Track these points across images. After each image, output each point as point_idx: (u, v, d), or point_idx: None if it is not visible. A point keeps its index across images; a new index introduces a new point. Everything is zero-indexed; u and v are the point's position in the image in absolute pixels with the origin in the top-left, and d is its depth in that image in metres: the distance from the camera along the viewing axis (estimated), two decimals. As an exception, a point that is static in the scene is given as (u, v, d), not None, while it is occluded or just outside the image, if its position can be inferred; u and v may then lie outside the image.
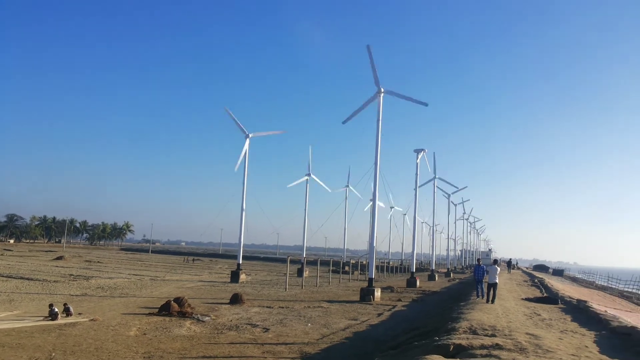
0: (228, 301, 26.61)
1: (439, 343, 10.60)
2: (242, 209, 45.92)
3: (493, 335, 11.98)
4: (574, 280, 77.83)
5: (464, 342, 10.63)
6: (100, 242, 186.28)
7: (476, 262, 24.27)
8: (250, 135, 47.99)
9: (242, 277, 42.75)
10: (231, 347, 15.41)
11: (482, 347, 10.36)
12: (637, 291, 53.71)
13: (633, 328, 13.33)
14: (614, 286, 67.37)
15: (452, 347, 10.36)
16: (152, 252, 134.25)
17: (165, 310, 20.74)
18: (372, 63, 35.21)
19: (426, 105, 38.08)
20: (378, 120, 35.84)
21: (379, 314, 25.50)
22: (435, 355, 9.16)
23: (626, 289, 58.91)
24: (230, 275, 43.37)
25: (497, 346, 10.39)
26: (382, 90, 36.05)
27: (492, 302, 20.41)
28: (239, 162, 47.35)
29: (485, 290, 22.22)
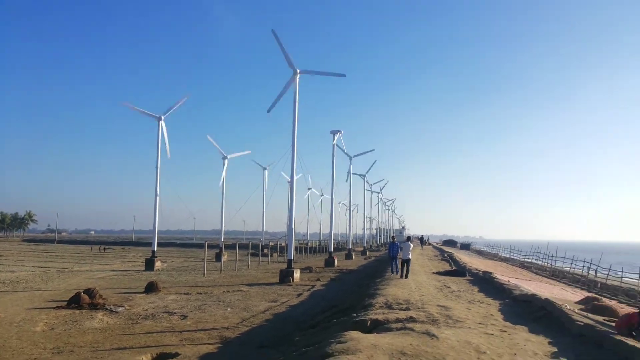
0: (143, 290, 25.76)
1: (357, 319, 10.90)
2: (156, 194, 44.40)
3: (407, 309, 12.48)
4: (480, 253, 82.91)
5: (380, 317, 10.99)
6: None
7: (390, 240, 25.02)
8: (163, 118, 46.28)
9: (158, 264, 41.50)
10: (147, 337, 14.96)
11: (398, 320, 10.77)
12: (535, 261, 58.15)
13: (532, 296, 14.40)
14: (515, 257, 72.51)
15: (369, 322, 10.68)
16: (58, 242, 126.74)
17: (74, 302, 19.71)
18: (281, 47, 34.98)
19: (344, 76, 38.37)
20: (295, 102, 35.78)
21: (299, 295, 25.79)
22: (353, 332, 9.41)
23: (526, 260, 63.53)
24: (144, 263, 41.96)
25: (412, 319, 10.85)
26: (298, 71, 35.95)
27: (406, 277, 21.26)
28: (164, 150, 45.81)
29: (399, 266, 23.10)
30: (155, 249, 43.45)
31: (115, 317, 18.28)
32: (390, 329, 9.89)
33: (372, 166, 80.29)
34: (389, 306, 13.06)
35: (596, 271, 42.44)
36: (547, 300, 13.44)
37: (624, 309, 19.36)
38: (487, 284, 20.34)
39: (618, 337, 9.06)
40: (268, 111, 37.89)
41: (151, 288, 25.49)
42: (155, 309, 20.53)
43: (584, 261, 43.06)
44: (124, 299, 22.94)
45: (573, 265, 45.94)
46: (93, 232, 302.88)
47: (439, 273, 25.59)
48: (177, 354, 12.77)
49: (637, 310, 10.57)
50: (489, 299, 15.86)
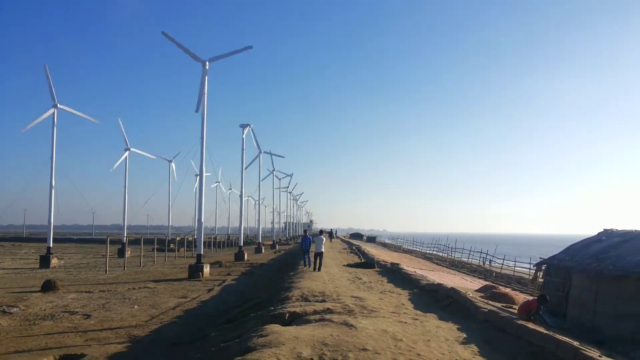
0: (39, 289, 23.99)
1: (275, 312, 10.89)
2: (51, 186, 41.48)
3: (323, 301, 12.65)
4: (385, 245, 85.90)
5: (298, 310, 11.05)
6: None
7: (302, 233, 25.11)
8: (58, 106, 43.16)
9: (54, 261, 38.84)
10: (48, 338, 13.97)
11: (315, 312, 10.89)
12: (436, 253, 61.31)
13: (439, 285, 15.17)
14: (417, 249, 75.93)
15: (287, 315, 10.71)
16: None
17: (-39, 304, 17.95)
18: (178, 45, 34.29)
19: (251, 47, 37.39)
20: (203, 94, 34.91)
21: (209, 290, 25.29)
22: (273, 325, 9.38)
23: (428, 252, 66.77)
24: (39, 261, 39.09)
25: (329, 310, 11.01)
26: (206, 62, 35.12)
27: (319, 270, 21.54)
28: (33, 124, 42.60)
29: (312, 259, 23.35)
30: (51, 245, 40.63)
31: (9, 319, 16.88)
32: (309, 321, 9.97)
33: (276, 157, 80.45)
34: (305, 299, 13.17)
35: (490, 261, 45.58)
36: (452, 289, 14.22)
37: (518, 296, 20.96)
38: (395, 275, 21.12)
39: (519, 322, 9.79)
40: (196, 110, 36.46)
41: (48, 287, 23.81)
42: (54, 308, 19.23)
43: (481, 252, 46.09)
44: (17, 298, 21.24)
45: (471, 256, 49.06)
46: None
47: (349, 265, 26.20)
48: (83, 355, 12.05)
49: (536, 298, 11.48)
50: (399, 289, 16.48)
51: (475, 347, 8.90)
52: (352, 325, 9.32)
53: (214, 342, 10.80)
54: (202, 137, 34.87)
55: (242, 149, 55.44)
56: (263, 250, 61.06)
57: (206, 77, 34.86)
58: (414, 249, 77.65)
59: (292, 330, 8.82)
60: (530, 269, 37.18)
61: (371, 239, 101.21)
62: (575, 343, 8.12)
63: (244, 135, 55.70)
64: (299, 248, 25.35)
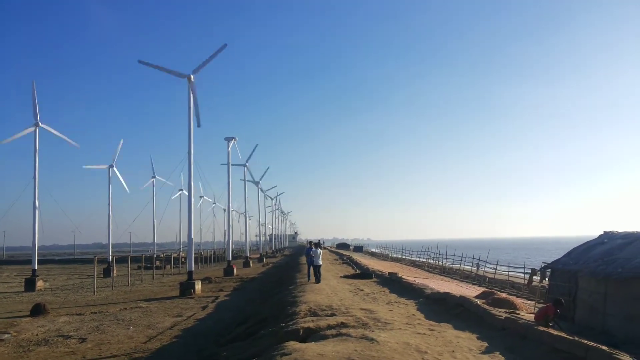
0: (28, 313, 23.23)
1: (289, 329, 10.56)
2: (34, 207, 40.48)
3: (333, 315, 12.36)
4: (373, 255, 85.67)
5: (311, 325, 10.74)
6: None
7: (308, 245, 23.97)
8: (40, 125, 42.30)
9: (40, 284, 37.79)
10: (47, 365, 13.44)
11: (330, 327, 10.60)
12: (426, 260, 61.21)
13: (446, 294, 14.96)
14: (406, 257, 75.82)
15: (301, 331, 10.39)
16: None
17: (-51, 333, 17.21)
18: (159, 68, 34.43)
19: (226, 45, 36.55)
20: (189, 107, 34.50)
21: (204, 307, 24.78)
22: (292, 342, 9.06)
23: (418, 259, 66.61)
24: (23, 284, 38.02)
25: (343, 324, 10.73)
26: (190, 75, 34.80)
27: (319, 281, 21.21)
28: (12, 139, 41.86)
29: (311, 272, 22.97)
30: (36, 267, 39.57)
31: (1, 346, 16.23)
32: (326, 337, 9.67)
33: (265, 173, 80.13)
34: (313, 313, 12.85)
35: (483, 266, 45.66)
36: (462, 297, 14.04)
37: (516, 301, 20.90)
38: (395, 285, 20.88)
39: (541, 328, 9.61)
40: (198, 125, 35.98)
41: (38, 310, 23.07)
42: (46, 333, 18.58)
43: (473, 258, 46.13)
44: (7, 324, 20.51)
45: (463, 263, 49.05)
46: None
47: (346, 277, 25.90)
48: (86, 382, 11.54)
49: (551, 303, 11.34)
50: (404, 299, 16.24)
51: (500, 355, 8.71)
52: (372, 339, 9.05)
53: (226, 362, 10.43)
54: (189, 153, 34.36)
55: (228, 163, 54.88)
56: (251, 264, 60.40)
57: (195, 90, 34.55)
58: (402, 257, 77.50)
59: (314, 347, 8.51)
60: (524, 273, 37.34)
61: (358, 249, 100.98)
62: (606, 348, 7.97)
63: (229, 149, 55.14)
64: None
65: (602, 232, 16.87)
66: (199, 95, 35.01)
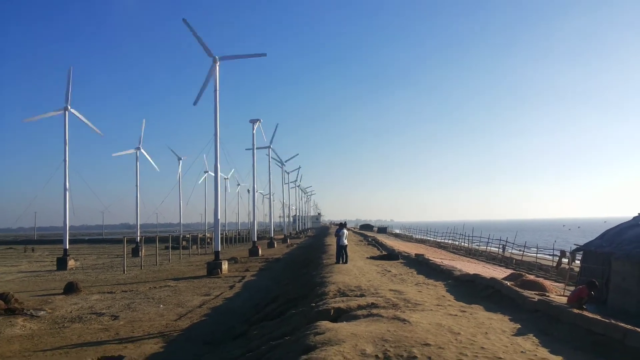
0: (62, 291, 23.88)
1: (320, 309, 10.61)
2: (65, 188, 41.30)
3: (362, 295, 12.37)
4: (397, 236, 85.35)
5: (342, 305, 10.77)
6: None
7: (338, 226, 23.60)
8: (69, 109, 42.88)
9: (71, 263, 38.76)
10: (82, 340, 13.79)
11: (360, 307, 10.61)
12: (451, 242, 60.83)
13: (475, 275, 14.83)
14: (430, 238, 75.47)
15: (332, 311, 10.43)
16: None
17: (-12, 309, 17.81)
18: (195, 35, 33.78)
19: (264, 55, 37.51)
20: (215, 91, 34.66)
21: (231, 287, 25.11)
22: (324, 322, 9.11)
23: (443, 240, 66.23)
24: (56, 263, 39.02)
25: (374, 305, 10.73)
26: (217, 58, 34.86)
27: (346, 262, 21.26)
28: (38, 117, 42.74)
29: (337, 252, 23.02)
30: (67, 247, 40.54)
31: (38, 322, 16.74)
32: (357, 317, 9.69)
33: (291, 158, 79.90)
34: (343, 294, 12.89)
35: (510, 248, 45.17)
36: (492, 279, 13.90)
37: (545, 283, 20.62)
38: (423, 266, 20.79)
39: (575, 311, 9.46)
40: (194, 103, 36.42)
41: (71, 288, 23.70)
42: (80, 310, 19.08)
43: (500, 239, 45.66)
44: (42, 301, 21.12)
45: (489, 244, 48.58)
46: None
47: (373, 258, 25.89)
48: (121, 357, 11.84)
49: (584, 285, 11.14)
50: (432, 281, 16.17)
51: (534, 338, 8.60)
52: (404, 320, 9.04)
53: (257, 340, 10.55)
54: (215, 135, 34.59)
55: (253, 144, 55.05)
56: (275, 245, 60.91)
57: (217, 74, 34.61)
58: (427, 238, 77.09)
59: (346, 326, 8.54)
60: (552, 255, 36.84)
61: (382, 230, 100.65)
62: (645, 331, 7.80)
63: (254, 131, 55.25)
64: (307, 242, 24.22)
65: (637, 214, 16.47)
66: (220, 78, 35.06)
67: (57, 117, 42.88)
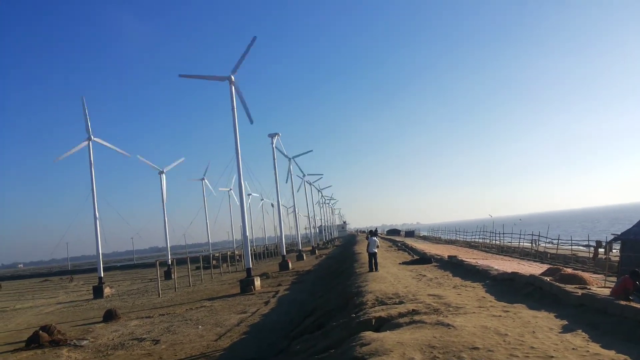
0: (101, 319, 24.28)
1: (361, 319, 10.58)
2: (95, 218, 42.10)
3: (401, 302, 12.30)
4: (425, 239, 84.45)
5: (383, 314, 10.73)
6: None
7: (368, 234, 23.55)
8: (92, 138, 43.77)
9: (107, 290, 39.39)
10: (128, 368, 14.00)
11: (401, 315, 10.55)
12: (482, 241, 59.92)
13: (514, 274, 14.62)
14: (459, 239, 74.52)
15: (374, 320, 10.39)
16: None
17: (34, 342, 18.15)
18: (199, 77, 36.33)
19: (255, 38, 36.76)
20: (233, 108, 35.06)
21: (266, 302, 25.19)
22: (366, 332, 9.08)
23: (473, 240, 65.26)
24: (92, 291, 39.70)
25: (415, 312, 10.66)
26: (232, 77, 35.34)
27: (376, 269, 21.15)
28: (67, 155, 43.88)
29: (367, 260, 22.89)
30: (102, 275, 41.21)
31: (82, 352, 17.03)
32: (399, 325, 9.64)
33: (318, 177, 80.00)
34: (381, 302, 12.83)
35: (544, 242, 44.33)
36: (532, 276, 13.69)
37: (585, 276, 20.21)
38: (457, 268, 20.57)
39: (623, 303, 9.27)
40: (251, 122, 37.51)
41: (110, 316, 24.07)
42: (121, 337, 19.35)
43: (532, 234, 44.85)
44: (83, 331, 21.49)
45: (521, 240, 47.77)
46: (21, 265, 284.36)
47: (405, 263, 25.71)
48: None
49: (627, 275, 10.91)
50: (469, 282, 16.00)
51: (583, 333, 8.43)
52: (449, 325, 8.96)
53: (301, 355, 10.56)
54: (236, 152, 34.98)
55: (274, 158, 55.49)
56: (305, 257, 60.91)
57: (239, 89, 35.22)
58: (456, 238, 76.18)
59: (391, 335, 8.50)
60: (588, 246, 36.10)
61: (410, 234, 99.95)
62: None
63: (274, 144, 55.64)
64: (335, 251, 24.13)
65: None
66: (243, 92, 35.60)
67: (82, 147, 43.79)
